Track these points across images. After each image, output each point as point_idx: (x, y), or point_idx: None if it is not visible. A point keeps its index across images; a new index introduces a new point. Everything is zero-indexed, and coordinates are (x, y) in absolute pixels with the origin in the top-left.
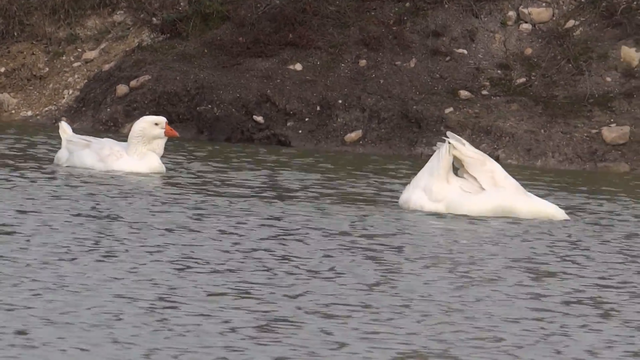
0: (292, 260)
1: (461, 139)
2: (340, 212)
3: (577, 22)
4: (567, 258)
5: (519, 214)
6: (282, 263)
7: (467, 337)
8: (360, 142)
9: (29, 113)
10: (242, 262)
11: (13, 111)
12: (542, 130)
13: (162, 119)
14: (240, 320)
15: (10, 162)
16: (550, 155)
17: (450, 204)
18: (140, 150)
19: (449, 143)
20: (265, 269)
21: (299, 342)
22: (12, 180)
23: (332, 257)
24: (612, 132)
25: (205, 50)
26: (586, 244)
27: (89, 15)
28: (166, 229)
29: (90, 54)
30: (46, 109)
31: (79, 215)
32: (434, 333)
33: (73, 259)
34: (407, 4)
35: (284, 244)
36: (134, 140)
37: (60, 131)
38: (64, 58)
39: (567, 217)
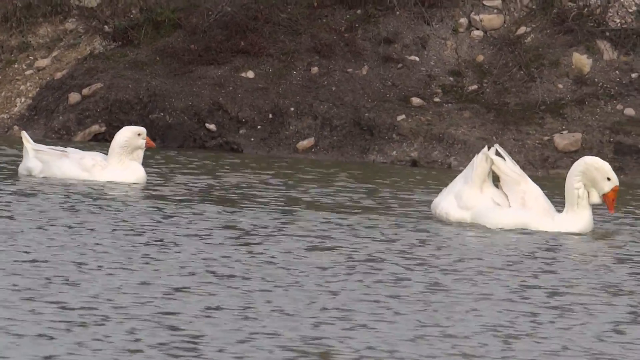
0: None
1: (505, 153)
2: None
3: (528, 29)
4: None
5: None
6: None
7: None
8: (313, 149)
9: None
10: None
11: None
12: (494, 138)
13: (143, 130)
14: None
15: None
16: None
17: (475, 214)
18: (124, 160)
19: (486, 153)
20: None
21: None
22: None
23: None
24: (564, 139)
25: (157, 58)
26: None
27: (41, 23)
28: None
29: (42, 62)
30: None
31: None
32: None
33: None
34: (359, 11)
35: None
36: (118, 150)
37: (24, 141)
38: (16, 66)
39: (588, 229)
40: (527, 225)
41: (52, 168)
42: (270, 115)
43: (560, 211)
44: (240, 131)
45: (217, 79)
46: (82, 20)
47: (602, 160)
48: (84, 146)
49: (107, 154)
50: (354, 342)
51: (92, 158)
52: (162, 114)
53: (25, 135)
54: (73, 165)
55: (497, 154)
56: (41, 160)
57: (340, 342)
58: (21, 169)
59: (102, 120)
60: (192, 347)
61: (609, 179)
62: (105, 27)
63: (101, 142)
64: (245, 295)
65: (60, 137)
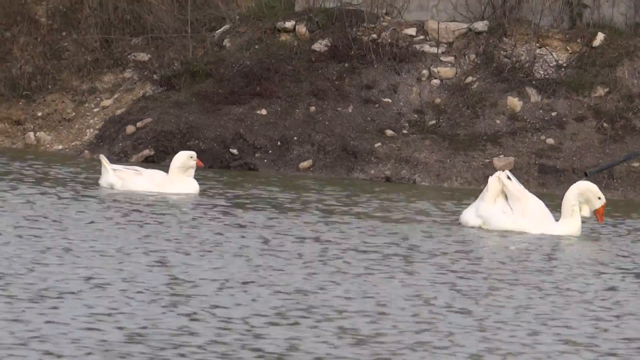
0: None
1: (512, 175)
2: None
3: (474, 78)
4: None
5: (530, 233)
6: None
7: None
8: (311, 169)
9: (60, 147)
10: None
11: (47, 145)
12: (448, 160)
13: (194, 153)
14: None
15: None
16: (454, 179)
17: (486, 220)
18: (181, 177)
19: (498, 176)
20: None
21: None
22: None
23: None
24: (501, 161)
25: (193, 99)
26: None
27: (106, 73)
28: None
29: (106, 102)
30: (72, 143)
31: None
32: None
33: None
34: (346, 65)
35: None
36: (176, 170)
37: (103, 162)
38: (86, 105)
39: (577, 233)
40: (524, 229)
41: (129, 184)
42: (279, 143)
43: (557, 220)
44: (256, 155)
45: (238, 115)
46: (136, 70)
47: (593, 185)
48: (139, 165)
49: (166, 173)
50: None
51: (160, 176)
52: (196, 141)
53: (104, 158)
54: (147, 181)
55: (508, 177)
56: (120, 177)
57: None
58: (102, 183)
59: (151, 146)
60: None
61: (599, 198)
62: (154, 75)
63: (150, 162)
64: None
65: (119, 159)
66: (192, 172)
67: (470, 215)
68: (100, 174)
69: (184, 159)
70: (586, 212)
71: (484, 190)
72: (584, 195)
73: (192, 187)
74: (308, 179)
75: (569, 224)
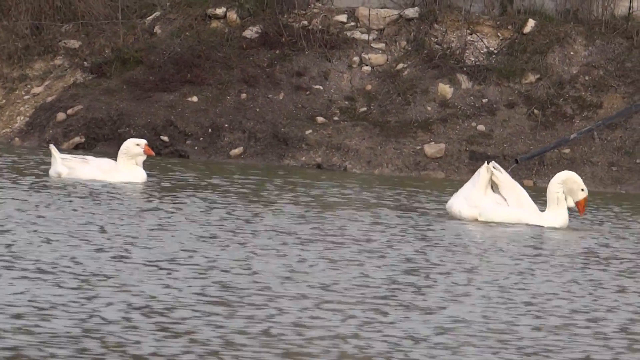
0: None
1: (500, 167)
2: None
3: (405, 65)
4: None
5: (530, 224)
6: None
7: None
8: (242, 156)
9: None
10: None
11: None
12: (379, 147)
13: (142, 141)
14: None
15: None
16: (385, 166)
17: (483, 211)
18: (128, 164)
19: (489, 166)
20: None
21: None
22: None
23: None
24: (432, 148)
25: (124, 86)
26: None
27: (36, 60)
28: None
29: (37, 89)
30: (3, 131)
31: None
32: None
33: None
34: (277, 51)
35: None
36: (122, 156)
37: (52, 152)
38: (17, 92)
39: (565, 225)
40: (521, 220)
41: (77, 172)
42: (210, 130)
43: (542, 210)
44: (187, 142)
45: (169, 102)
46: (67, 57)
47: (577, 176)
48: (70, 152)
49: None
50: None
51: (108, 163)
52: (127, 128)
53: (53, 147)
54: (93, 169)
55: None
56: (67, 166)
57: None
58: (52, 173)
59: (82, 133)
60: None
61: (582, 190)
62: (85, 62)
63: (80, 150)
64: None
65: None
66: (141, 160)
67: (462, 206)
68: (50, 164)
69: (129, 146)
70: (570, 202)
71: (470, 181)
72: (567, 184)
73: (138, 175)
74: (240, 166)
75: (556, 214)
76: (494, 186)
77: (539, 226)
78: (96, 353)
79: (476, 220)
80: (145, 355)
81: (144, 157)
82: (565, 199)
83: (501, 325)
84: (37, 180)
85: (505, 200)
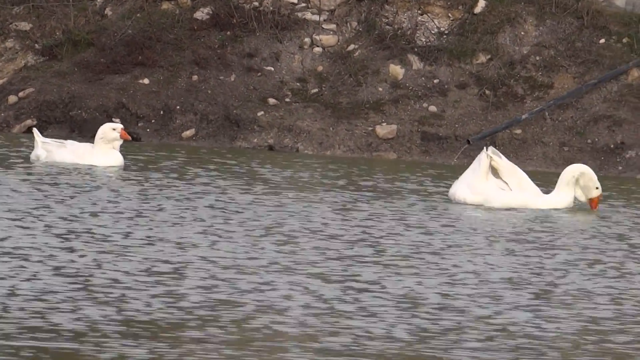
0: None
1: (499, 153)
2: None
3: (356, 46)
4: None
5: (534, 208)
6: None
7: None
8: (194, 137)
9: None
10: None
11: None
12: (331, 128)
13: (118, 125)
14: None
15: None
16: (337, 147)
17: (487, 197)
18: (105, 148)
19: (488, 153)
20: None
21: None
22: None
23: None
24: (384, 129)
25: (75, 69)
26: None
27: None
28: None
29: None
30: None
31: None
32: None
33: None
34: (228, 33)
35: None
36: (99, 141)
37: (35, 135)
38: None
39: (569, 206)
40: (527, 204)
41: (54, 155)
42: (162, 112)
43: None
44: (139, 124)
45: (121, 84)
46: (18, 40)
47: (594, 173)
48: (22, 135)
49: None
50: None
51: (84, 147)
52: (79, 111)
53: (36, 132)
54: (69, 153)
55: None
56: (46, 149)
57: None
58: (32, 156)
59: (33, 116)
60: None
61: (597, 188)
62: (36, 45)
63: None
64: None
65: (1, 129)
66: (118, 144)
67: (466, 192)
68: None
69: (106, 131)
70: (581, 196)
71: (471, 166)
72: (583, 178)
73: (114, 159)
74: (192, 148)
75: (564, 194)
76: (494, 172)
77: (545, 209)
78: None
79: (481, 206)
80: None
81: (120, 142)
82: (575, 190)
83: None
84: None
85: (507, 185)
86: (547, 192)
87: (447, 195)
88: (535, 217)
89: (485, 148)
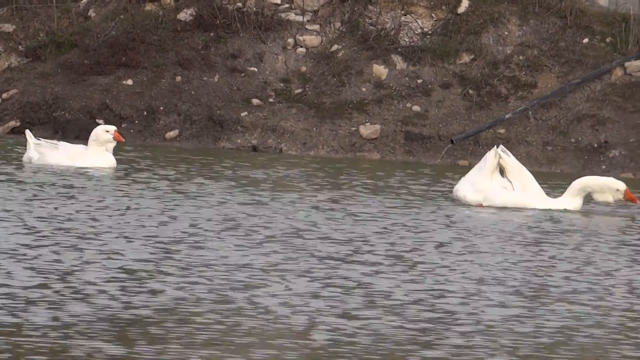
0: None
1: (508, 151)
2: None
3: (340, 47)
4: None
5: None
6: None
7: None
8: (177, 138)
9: None
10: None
11: None
12: (314, 128)
13: (111, 127)
14: None
15: None
16: (321, 147)
17: (487, 196)
18: (98, 151)
19: (497, 151)
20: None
21: None
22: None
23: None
24: (367, 129)
25: (59, 70)
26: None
27: None
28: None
29: None
30: None
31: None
32: None
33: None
34: (212, 34)
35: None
36: (92, 143)
37: (27, 137)
38: None
39: (576, 208)
40: (526, 204)
41: (46, 157)
42: (145, 113)
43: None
44: (123, 125)
45: (104, 85)
46: (1, 41)
47: (604, 180)
48: (6, 136)
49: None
50: None
51: (75, 149)
52: (63, 112)
53: (28, 133)
54: (61, 154)
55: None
56: (39, 151)
57: None
58: (25, 158)
59: (17, 117)
60: None
61: (617, 190)
62: (20, 46)
63: (17, 134)
64: None
65: None
66: (111, 146)
67: (467, 190)
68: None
69: (99, 133)
70: (610, 199)
71: (478, 165)
72: (597, 191)
73: (107, 161)
74: (176, 149)
75: (569, 202)
76: (503, 171)
77: (545, 210)
78: None
79: (480, 205)
80: None
81: (113, 144)
82: (592, 196)
83: None
84: None
85: (511, 184)
86: (548, 193)
87: (436, 195)
88: (533, 216)
89: (495, 146)
